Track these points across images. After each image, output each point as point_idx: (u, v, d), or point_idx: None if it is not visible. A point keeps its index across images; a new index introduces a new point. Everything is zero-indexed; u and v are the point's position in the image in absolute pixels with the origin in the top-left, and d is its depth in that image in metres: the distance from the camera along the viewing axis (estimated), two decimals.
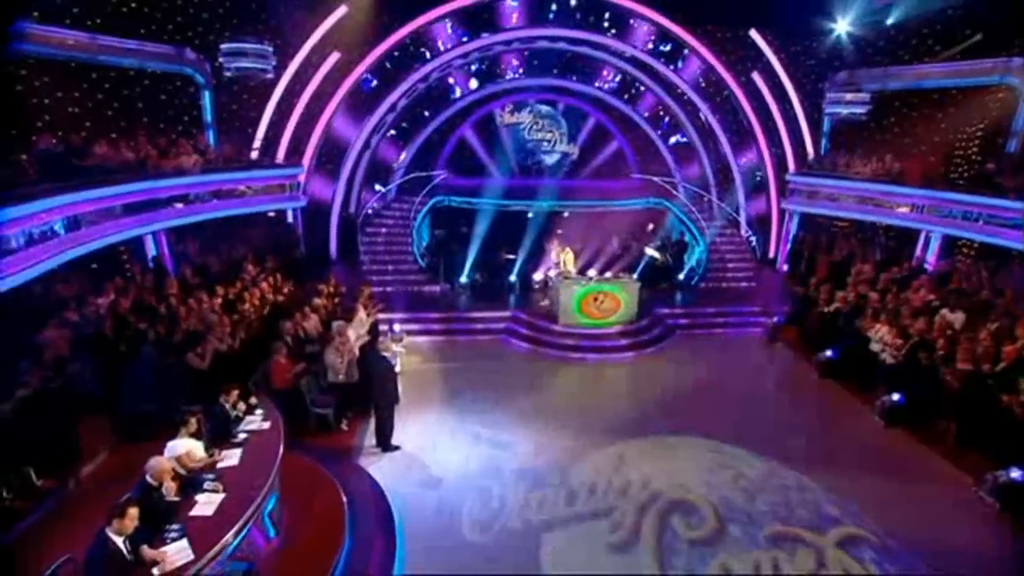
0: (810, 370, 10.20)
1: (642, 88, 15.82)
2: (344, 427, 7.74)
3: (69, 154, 8.94)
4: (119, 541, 3.91)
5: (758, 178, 15.08)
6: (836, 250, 13.50)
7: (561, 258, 12.27)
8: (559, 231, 13.91)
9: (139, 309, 7.91)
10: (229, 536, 4.46)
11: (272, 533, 5.36)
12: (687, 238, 14.91)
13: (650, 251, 13.97)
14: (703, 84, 15.15)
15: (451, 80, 15.30)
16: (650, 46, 14.92)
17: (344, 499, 6.00)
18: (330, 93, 12.89)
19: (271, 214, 12.85)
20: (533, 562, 5.72)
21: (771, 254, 15.06)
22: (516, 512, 6.40)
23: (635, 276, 11.99)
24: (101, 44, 10.70)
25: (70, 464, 6.14)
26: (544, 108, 16.35)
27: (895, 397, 8.37)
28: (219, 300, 8.45)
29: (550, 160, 16.66)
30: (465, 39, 13.97)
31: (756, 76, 14.56)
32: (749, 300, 13.03)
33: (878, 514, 6.44)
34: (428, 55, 13.87)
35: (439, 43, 14.17)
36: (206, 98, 12.55)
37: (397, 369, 7.69)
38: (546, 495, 6.70)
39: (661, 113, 16.37)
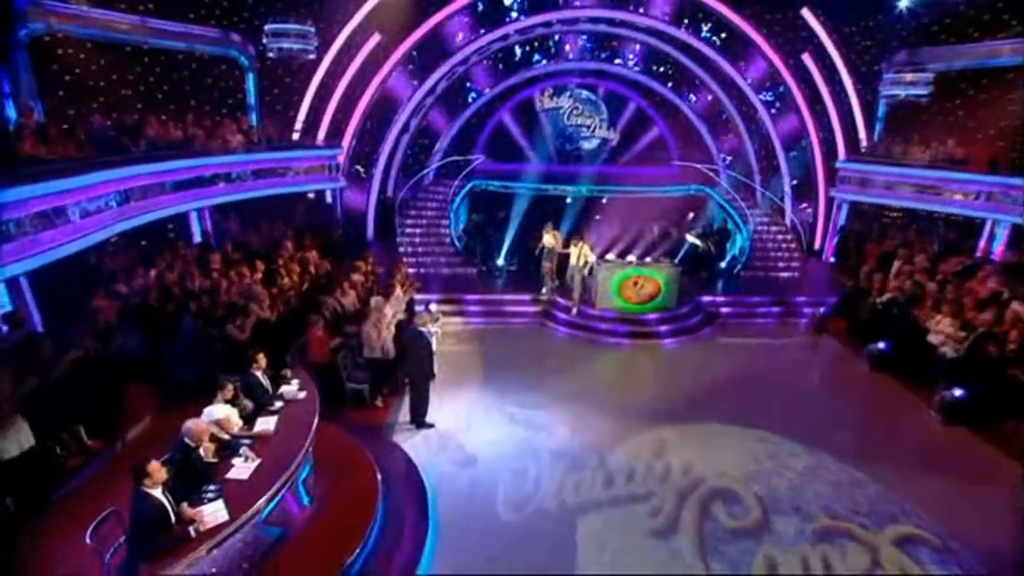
0: (859, 362, 9.71)
1: (685, 72, 15.29)
2: (379, 404, 7.74)
3: (121, 133, 9.22)
4: (158, 493, 3.95)
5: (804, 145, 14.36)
6: (888, 241, 12.79)
7: (572, 249, 11.11)
8: (550, 219, 13.15)
9: (184, 282, 8.07)
10: (263, 500, 4.48)
11: (306, 501, 5.38)
12: (729, 225, 14.41)
13: (691, 238, 13.57)
14: (748, 65, 14.53)
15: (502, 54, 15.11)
16: (692, 26, 14.41)
17: (378, 472, 5.96)
18: (371, 75, 12.91)
19: (310, 195, 13.00)
20: (569, 544, 5.58)
21: (817, 244, 14.42)
22: (552, 493, 6.27)
23: (676, 262, 11.63)
24: (152, 27, 10.99)
25: (117, 427, 6.32)
26: (584, 93, 16.01)
27: (956, 392, 7.85)
28: (259, 275, 8.56)
29: (589, 146, 16.31)
30: (509, 19, 13.80)
31: (806, 58, 13.88)
32: (794, 290, 12.49)
33: (937, 514, 6.04)
34: (467, 38, 13.71)
35: (478, 26, 14.01)
36: (250, 80, 12.75)
37: (433, 347, 7.59)
38: (583, 478, 6.54)
39: (702, 96, 15.78)
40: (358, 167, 13.89)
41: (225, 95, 12.66)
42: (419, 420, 7.35)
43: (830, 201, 14.19)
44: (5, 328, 6.38)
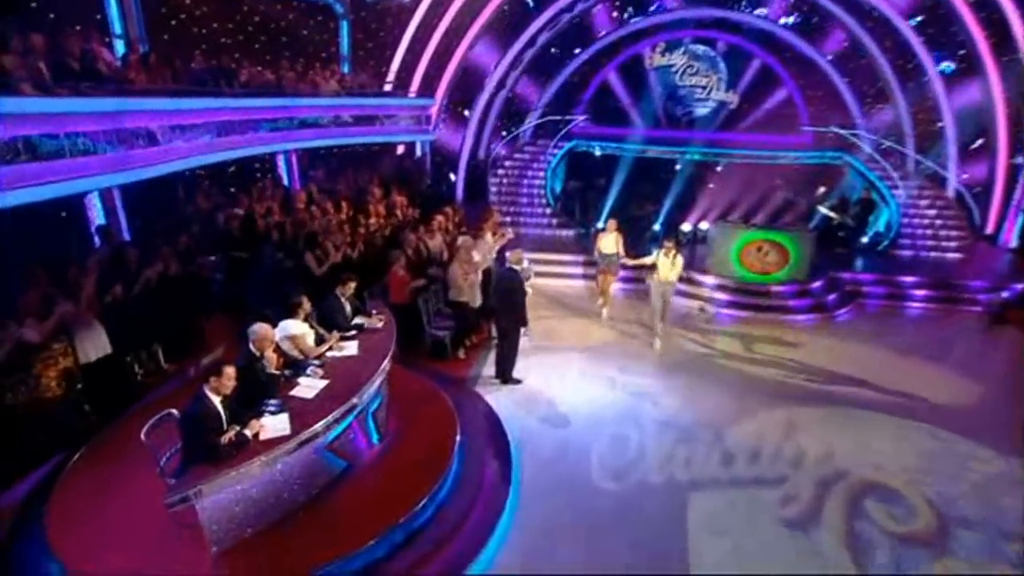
0: None
1: (822, 16, 13.21)
2: (461, 355, 7.01)
3: (218, 75, 9.21)
4: (216, 400, 3.69)
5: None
6: None
7: (661, 258, 7.40)
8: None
9: (268, 216, 7.84)
10: (325, 422, 3.95)
11: (375, 438, 4.75)
12: (873, 196, 12.28)
13: (824, 210, 11.73)
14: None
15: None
16: None
17: (457, 420, 5.21)
18: (466, 27, 12.26)
19: (399, 148, 12.60)
20: (678, 524, 4.56)
21: (991, 227, 11.92)
22: (657, 466, 5.25)
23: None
24: None
25: (194, 353, 6.12)
26: (700, 49, 14.29)
27: None
28: (343, 215, 8.17)
29: (703, 110, 14.58)
30: None
31: None
32: (961, 274, 10.29)
33: None
34: None
35: None
36: (343, 30, 12.50)
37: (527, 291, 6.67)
38: (695, 452, 5.45)
39: (843, 47, 13.58)
40: (450, 121, 13.33)
41: (319, 47, 12.49)
42: (506, 375, 6.53)
43: (1013, 172, 11.65)
44: (98, 240, 6.39)
